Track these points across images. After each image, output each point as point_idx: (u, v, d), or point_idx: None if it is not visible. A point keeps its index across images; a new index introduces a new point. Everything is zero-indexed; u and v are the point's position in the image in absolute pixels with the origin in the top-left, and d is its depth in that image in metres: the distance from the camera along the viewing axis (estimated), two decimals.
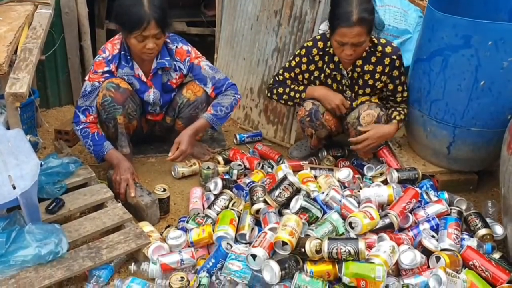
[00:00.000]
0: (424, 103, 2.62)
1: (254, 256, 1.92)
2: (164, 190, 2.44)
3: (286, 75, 2.76)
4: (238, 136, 3.18)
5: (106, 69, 2.53)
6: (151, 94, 2.66)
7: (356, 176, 2.72)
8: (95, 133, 2.55)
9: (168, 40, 2.59)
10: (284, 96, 2.76)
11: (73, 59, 3.32)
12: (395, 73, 2.61)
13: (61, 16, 3.14)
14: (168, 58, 2.60)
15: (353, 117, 2.68)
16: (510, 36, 2.29)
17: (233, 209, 2.28)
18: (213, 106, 2.64)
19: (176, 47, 2.62)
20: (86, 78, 2.57)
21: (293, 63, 2.72)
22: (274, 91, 2.79)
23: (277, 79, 2.80)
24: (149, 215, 2.37)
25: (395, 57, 2.58)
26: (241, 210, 2.30)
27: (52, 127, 3.07)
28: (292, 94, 2.73)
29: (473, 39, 2.34)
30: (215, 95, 2.72)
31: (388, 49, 2.58)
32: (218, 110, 2.63)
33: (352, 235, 2.08)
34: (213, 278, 2.00)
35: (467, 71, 2.40)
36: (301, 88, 2.71)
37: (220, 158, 2.90)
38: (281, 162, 2.87)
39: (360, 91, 2.70)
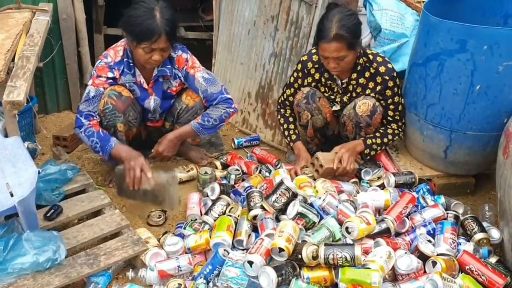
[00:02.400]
0: (420, 107, 2.63)
1: (251, 263, 1.93)
2: (160, 216, 2.46)
3: (288, 92, 2.85)
4: (236, 141, 3.19)
5: (109, 75, 2.53)
6: (152, 101, 2.66)
7: (354, 180, 2.73)
8: (100, 131, 2.50)
9: None
10: (281, 128, 2.93)
11: (71, 65, 3.32)
12: (388, 92, 2.64)
13: (59, 22, 3.15)
14: (169, 66, 2.60)
15: (349, 108, 2.72)
16: (505, 41, 2.29)
17: (230, 215, 2.28)
18: (202, 116, 2.63)
19: (176, 55, 2.60)
20: (89, 83, 2.55)
21: (292, 79, 2.82)
22: (279, 116, 2.95)
23: (282, 98, 2.91)
24: (171, 193, 2.38)
25: (387, 77, 2.61)
26: (238, 216, 2.31)
27: (51, 133, 3.08)
28: (286, 133, 2.90)
29: (468, 44, 2.34)
30: (207, 107, 2.71)
31: (382, 69, 2.61)
32: (206, 120, 2.61)
33: (349, 240, 2.09)
34: (210, 284, 2.00)
35: (463, 76, 2.41)
36: (294, 137, 2.87)
37: (218, 163, 2.91)
38: (278, 166, 2.88)
39: (352, 98, 2.73)
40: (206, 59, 3.76)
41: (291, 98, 2.84)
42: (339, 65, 2.52)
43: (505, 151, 2.17)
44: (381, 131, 2.73)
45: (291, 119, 2.89)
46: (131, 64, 2.55)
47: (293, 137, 2.88)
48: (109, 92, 2.50)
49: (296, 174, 2.70)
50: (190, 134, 2.67)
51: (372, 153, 2.73)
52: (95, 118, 2.53)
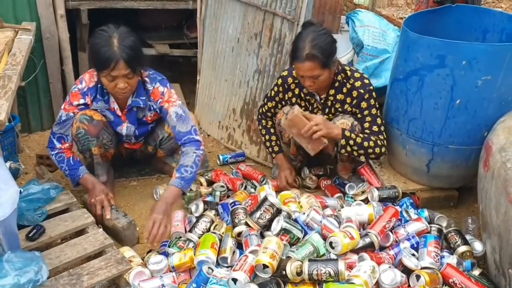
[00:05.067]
0: (402, 122, 2.66)
1: (235, 280, 1.93)
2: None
3: (269, 104, 2.89)
4: (221, 157, 3.19)
5: (81, 101, 2.52)
6: (124, 128, 2.64)
7: (338, 194, 2.74)
8: (70, 158, 2.56)
9: (147, 79, 2.54)
10: (263, 138, 2.98)
11: (55, 84, 3.32)
12: (364, 104, 2.64)
13: (42, 41, 3.15)
14: (144, 97, 2.55)
15: None
16: (483, 56, 2.34)
17: (214, 232, 2.28)
18: (177, 170, 2.45)
19: (153, 87, 2.55)
20: (62, 106, 2.56)
21: (273, 93, 2.85)
22: (260, 127, 3.00)
23: (263, 110, 2.94)
24: (126, 237, 2.37)
25: (362, 91, 2.63)
26: (223, 233, 2.30)
27: (34, 152, 3.06)
28: (267, 144, 2.96)
29: (447, 59, 2.39)
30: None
31: (358, 83, 2.63)
32: (183, 171, 2.44)
33: (333, 255, 2.09)
34: None
35: (443, 90, 2.45)
36: (276, 149, 2.94)
37: (202, 180, 2.91)
38: (264, 182, 2.89)
39: (331, 116, 2.75)
40: (192, 76, 3.79)
41: (272, 110, 2.89)
42: (315, 83, 2.55)
43: (485, 164, 2.20)
44: (365, 135, 2.64)
45: (272, 130, 2.93)
46: (105, 91, 2.52)
47: (275, 148, 2.93)
48: (80, 117, 2.50)
49: (288, 182, 2.80)
50: (177, 194, 2.44)
51: (348, 148, 2.61)
52: (67, 141, 2.57)
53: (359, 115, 2.67)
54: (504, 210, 1.98)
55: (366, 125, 2.67)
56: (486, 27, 2.79)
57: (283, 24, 2.95)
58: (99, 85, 2.51)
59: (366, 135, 2.67)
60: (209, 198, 2.70)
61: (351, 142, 2.60)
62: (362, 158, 2.72)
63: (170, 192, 2.41)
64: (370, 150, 2.63)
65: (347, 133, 2.60)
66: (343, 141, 2.60)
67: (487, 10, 2.92)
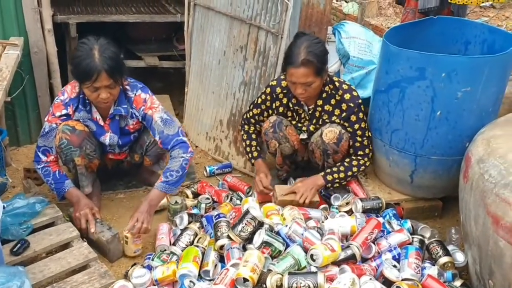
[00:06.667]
0: (385, 133, 2.68)
1: None
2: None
3: (254, 111, 2.92)
4: (208, 168, 3.21)
5: (63, 112, 2.55)
6: (107, 138, 2.66)
7: (323, 206, 2.76)
8: (56, 172, 2.58)
9: (127, 87, 2.57)
10: (243, 144, 3.01)
11: (43, 97, 3.34)
12: (353, 118, 2.68)
13: (30, 55, 3.17)
14: (125, 105, 2.58)
15: (316, 136, 2.78)
16: (462, 68, 2.37)
17: (197, 246, 2.29)
18: (164, 173, 2.50)
19: (135, 94, 2.58)
20: (46, 118, 2.59)
21: (260, 100, 2.88)
22: (242, 132, 3.01)
23: (247, 116, 2.97)
24: (111, 250, 2.39)
25: (352, 104, 2.66)
26: (206, 246, 2.31)
27: (22, 166, 3.07)
28: (247, 149, 2.97)
29: (427, 71, 2.42)
30: (162, 147, 2.66)
31: (347, 96, 2.67)
32: (169, 175, 2.48)
33: (313, 268, 2.11)
34: None
35: (423, 102, 2.48)
36: (255, 154, 2.94)
37: (188, 192, 2.92)
38: (250, 193, 2.90)
39: (318, 127, 2.78)
40: (182, 87, 3.82)
41: (257, 117, 2.92)
42: (306, 91, 2.58)
43: (465, 175, 2.22)
44: (345, 164, 2.74)
45: (254, 136, 2.96)
46: (87, 101, 2.55)
47: (255, 154, 2.95)
48: (63, 127, 2.52)
49: (263, 186, 2.77)
50: (161, 197, 2.53)
51: (336, 185, 2.77)
52: (52, 153, 2.59)
53: (349, 129, 2.71)
54: (483, 221, 2.00)
55: (358, 138, 2.73)
56: (468, 38, 2.82)
57: (268, 37, 2.98)
58: (81, 96, 2.54)
59: (347, 164, 2.74)
60: (194, 211, 2.71)
61: (337, 181, 2.74)
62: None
63: (154, 194, 2.50)
64: (356, 174, 2.79)
65: (329, 177, 2.74)
66: (329, 185, 2.75)
67: (468, 21, 2.96)
